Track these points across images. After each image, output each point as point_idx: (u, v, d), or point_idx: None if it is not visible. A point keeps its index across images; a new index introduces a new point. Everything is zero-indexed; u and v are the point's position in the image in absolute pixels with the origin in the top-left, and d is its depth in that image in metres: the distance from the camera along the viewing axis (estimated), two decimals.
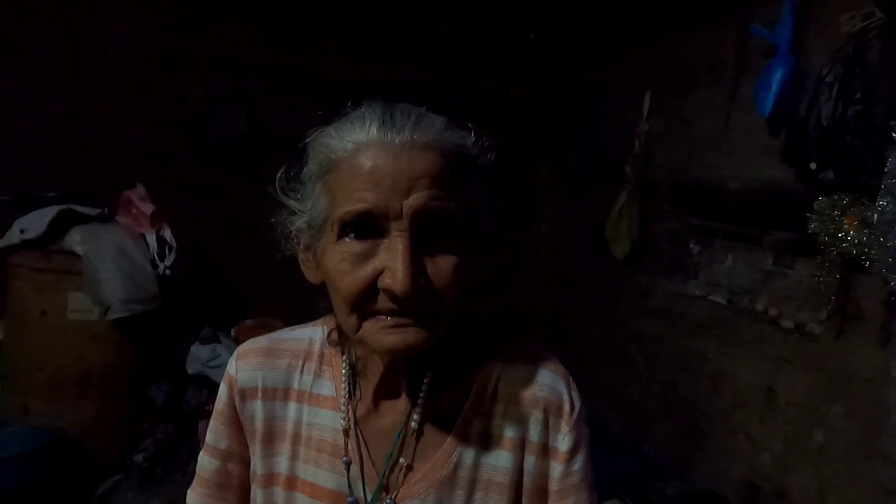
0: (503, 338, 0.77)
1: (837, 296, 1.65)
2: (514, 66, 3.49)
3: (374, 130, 0.61)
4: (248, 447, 0.76)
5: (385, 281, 0.59)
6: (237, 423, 0.76)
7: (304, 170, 0.67)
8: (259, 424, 0.75)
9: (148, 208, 2.40)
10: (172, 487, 2.31)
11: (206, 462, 0.78)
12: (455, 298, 0.63)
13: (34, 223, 2.20)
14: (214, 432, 0.77)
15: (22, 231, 2.19)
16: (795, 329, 1.91)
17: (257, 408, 0.75)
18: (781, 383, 1.92)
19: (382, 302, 0.61)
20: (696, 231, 2.45)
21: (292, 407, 0.75)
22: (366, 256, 0.61)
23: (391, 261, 0.59)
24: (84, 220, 2.31)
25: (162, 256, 2.40)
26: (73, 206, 2.29)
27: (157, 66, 2.95)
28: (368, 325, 0.62)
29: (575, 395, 0.73)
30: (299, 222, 0.67)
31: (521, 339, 0.77)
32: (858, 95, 1.57)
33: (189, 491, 0.79)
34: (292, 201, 0.68)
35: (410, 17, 3.28)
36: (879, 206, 1.45)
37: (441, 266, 0.62)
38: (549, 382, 0.73)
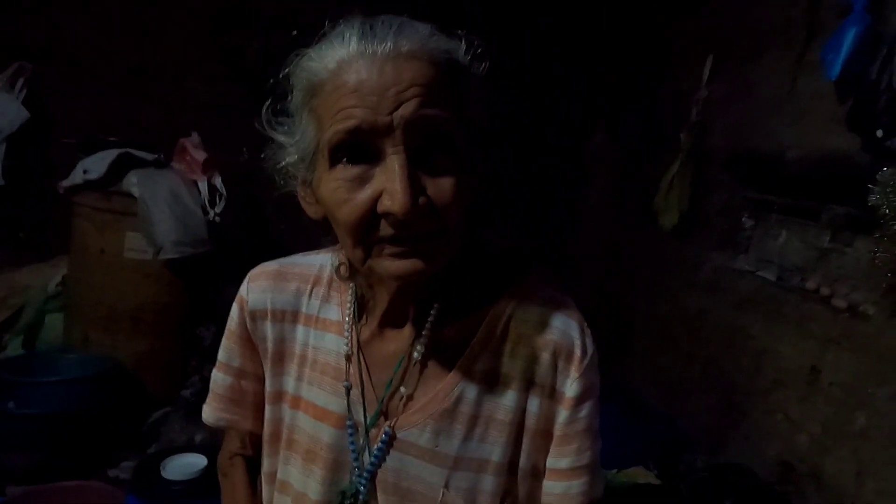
0: (518, 275, 0.74)
1: (894, 273, 1.55)
2: (570, 28, 3.37)
3: (353, 44, 0.57)
4: (261, 365, 0.79)
5: (384, 203, 0.56)
6: (249, 343, 0.78)
7: (290, 100, 0.65)
8: (270, 345, 0.77)
9: (200, 155, 2.49)
10: None
11: (219, 378, 0.81)
12: (458, 219, 0.60)
13: (96, 165, 2.32)
14: (227, 350, 0.80)
15: (85, 172, 2.32)
16: (847, 309, 1.81)
17: (268, 328, 0.77)
18: (827, 363, 1.83)
19: (385, 229, 0.58)
20: (749, 204, 2.34)
21: (300, 329, 0.76)
22: (362, 181, 0.58)
23: (388, 181, 0.56)
24: (141, 164, 2.41)
25: (213, 203, 2.49)
26: (131, 151, 2.40)
27: (218, 20, 3.01)
28: (375, 255, 0.61)
29: (588, 341, 0.71)
30: (291, 157, 0.65)
31: (537, 279, 0.75)
32: None
33: (204, 406, 0.82)
34: (281, 135, 0.66)
35: None
36: None
37: (441, 185, 0.58)
38: (561, 326, 0.70)
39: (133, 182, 2.27)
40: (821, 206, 1.96)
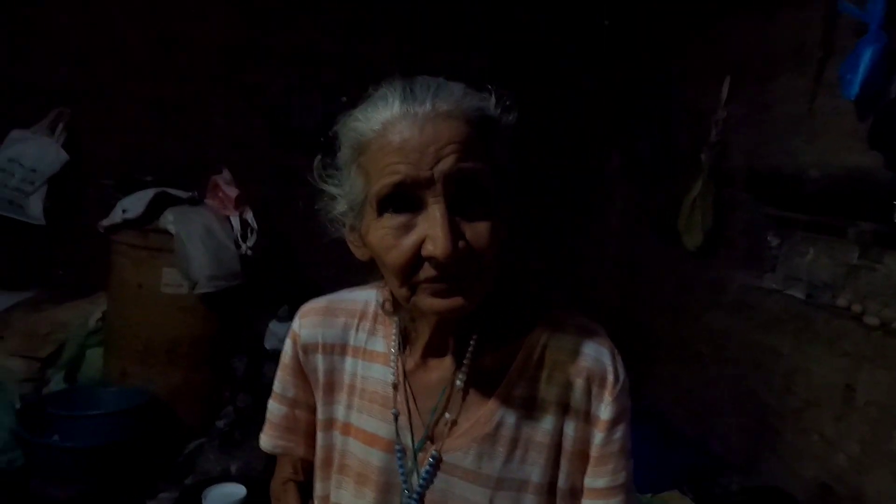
0: (550, 306, 0.80)
1: None
2: (587, 52, 3.44)
3: (396, 107, 0.64)
4: (313, 395, 0.84)
5: (427, 248, 0.62)
6: (302, 374, 0.83)
7: (339, 155, 0.71)
8: (321, 376, 0.82)
9: (232, 192, 2.58)
10: (250, 452, 2.48)
11: (274, 409, 0.86)
12: (493, 260, 0.66)
13: (134, 204, 2.42)
14: (281, 382, 0.86)
15: (124, 211, 2.42)
16: (880, 326, 1.80)
17: (319, 361, 0.82)
18: (861, 382, 1.81)
19: (427, 270, 0.64)
20: (773, 222, 2.34)
21: (349, 361, 0.82)
22: (407, 229, 0.64)
23: (430, 228, 0.62)
24: (177, 201, 2.51)
25: (244, 237, 2.57)
26: (167, 190, 2.50)
27: (239, 57, 3.13)
28: (419, 293, 0.66)
29: (620, 367, 0.75)
30: (341, 206, 0.72)
31: (567, 310, 0.80)
32: None
33: (261, 435, 0.88)
34: (331, 187, 0.73)
35: (482, 5, 3.30)
36: None
37: (478, 230, 0.64)
38: (593, 353, 0.75)
39: (170, 220, 2.36)
40: (847, 222, 1.96)
